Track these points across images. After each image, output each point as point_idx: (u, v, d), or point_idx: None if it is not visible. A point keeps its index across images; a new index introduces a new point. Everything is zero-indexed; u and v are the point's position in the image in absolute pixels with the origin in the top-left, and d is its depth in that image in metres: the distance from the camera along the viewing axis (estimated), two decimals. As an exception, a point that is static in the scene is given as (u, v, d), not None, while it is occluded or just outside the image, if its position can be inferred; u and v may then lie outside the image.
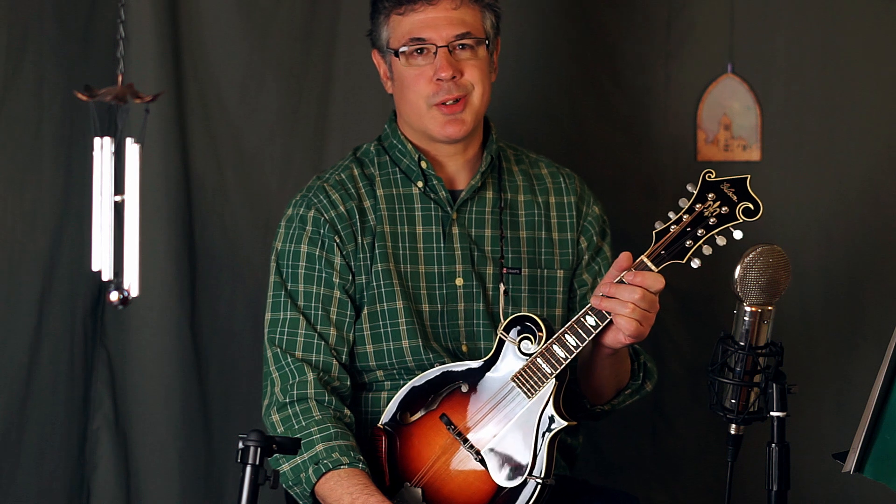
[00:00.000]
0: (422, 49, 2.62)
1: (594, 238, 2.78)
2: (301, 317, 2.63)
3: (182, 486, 3.15)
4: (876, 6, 3.20)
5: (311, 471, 2.50)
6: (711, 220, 2.45)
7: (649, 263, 2.46)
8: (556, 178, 2.81)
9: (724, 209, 2.45)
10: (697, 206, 2.46)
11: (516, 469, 2.49)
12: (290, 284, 2.65)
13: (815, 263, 3.22)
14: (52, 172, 3.04)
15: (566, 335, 2.48)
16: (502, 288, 2.69)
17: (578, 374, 2.65)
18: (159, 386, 3.13)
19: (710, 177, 2.47)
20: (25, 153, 3.02)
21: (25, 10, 3.00)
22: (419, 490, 2.54)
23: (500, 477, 2.50)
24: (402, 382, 2.61)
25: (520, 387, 2.51)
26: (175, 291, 3.12)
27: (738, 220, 2.45)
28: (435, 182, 2.69)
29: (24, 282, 3.04)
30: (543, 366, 2.50)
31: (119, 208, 1.70)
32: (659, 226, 2.47)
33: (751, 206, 2.45)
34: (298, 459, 2.52)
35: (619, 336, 2.47)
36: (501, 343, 2.55)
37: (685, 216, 2.46)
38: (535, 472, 2.48)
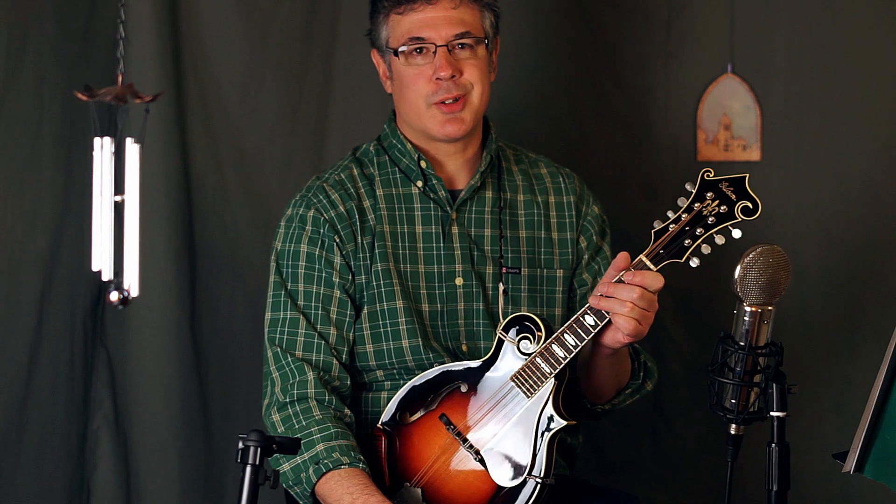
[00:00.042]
0: (421, 48, 2.62)
1: (594, 237, 2.78)
2: (301, 316, 2.63)
3: (182, 486, 3.15)
4: (876, 6, 3.20)
5: (311, 470, 2.50)
6: (710, 218, 2.45)
7: (648, 262, 2.46)
8: (556, 178, 2.81)
9: (722, 208, 2.45)
10: (696, 205, 2.46)
11: (516, 469, 2.49)
12: (289, 284, 2.65)
13: (815, 263, 3.22)
14: (52, 172, 3.04)
15: (565, 334, 2.48)
16: (501, 287, 2.69)
17: (578, 374, 2.65)
18: (159, 386, 3.13)
19: (708, 176, 2.47)
20: (25, 153, 3.03)
21: (25, 10, 3.00)
22: (419, 490, 2.54)
23: (500, 476, 2.50)
24: (401, 382, 2.61)
25: (519, 386, 2.51)
26: (175, 291, 3.12)
27: (736, 218, 2.45)
28: (434, 182, 2.69)
29: (24, 282, 3.04)
30: (542, 365, 2.50)
31: (119, 208, 1.70)
32: (657, 225, 2.47)
33: (749, 204, 2.45)
34: (299, 459, 2.52)
35: (619, 335, 2.47)
36: (500, 343, 2.55)
37: (684, 215, 2.46)
38: (535, 472, 2.48)
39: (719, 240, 2.45)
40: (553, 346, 2.49)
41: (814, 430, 3.18)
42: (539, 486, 2.47)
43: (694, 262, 2.45)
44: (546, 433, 2.49)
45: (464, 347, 2.66)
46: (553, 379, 2.49)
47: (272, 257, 2.70)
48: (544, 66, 3.28)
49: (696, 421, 3.25)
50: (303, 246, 2.66)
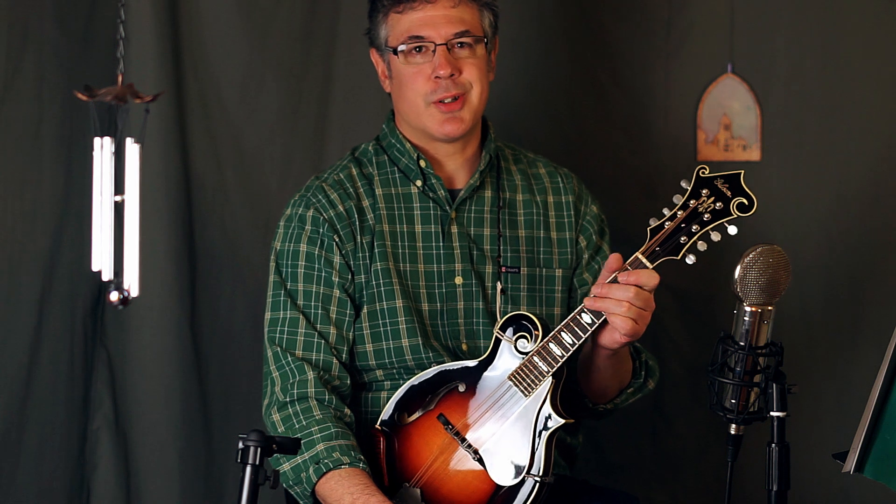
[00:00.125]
0: (420, 47, 2.62)
1: (593, 237, 2.78)
2: (301, 316, 2.63)
3: (182, 486, 3.15)
4: (876, 6, 3.20)
5: (311, 470, 2.50)
6: (706, 215, 2.46)
7: (644, 260, 2.46)
8: (554, 178, 2.81)
9: (718, 205, 2.46)
10: (692, 202, 2.46)
11: (514, 468, 2.49)
12: (289, 284, 2.65)
13: (815, 263, 3.21)
14: (52, 172, 3.04)
15: (562, 333, 2.48)
16: (499, 287, 2.69)
17: (580, 375, 2.65)
18: (159, 386, 3.13)
19: (704, 173, 2.48)
20: (25, 153, 3.03)
21: (25, 10, 3.00)
22: (418, 490, 2.54)
23: (499, 476, 2.50)
24: (401, 382, 2.61)
25: (517, 385, 2.51)
26: (175, 291, 3.12)
27: (732, 215, 2.45)
28: (434, 181, 2.69)
29: (24, 282, 3.04)
30: (540, 364, 2.50)
31: (119, 208, 1.70)
32: (653, 222, 2.47)
33: (745, 201, 2.45)
34: (299, 459, 2.52)
35: (616, 335, 2.47)
36: (498, 342, 2.55)
37: (679, 212, 2.47)
38: (533, 471, 2.48)
39: (715, 236, 2.45)
40: (550, 344, 2.49)
41: (814, 430, 3.18)
42: (538, 484, 2.47)
43: (690, 259, 2.46)
44: (544, 432, 2.49)
45: (464, 346, 2.66)
46: (550, 377, 2.49)
47: (272, 257, 2.70)
48: (544, 66, 3.28)
49: (696, 421, 3.25)
50: (302, 245, 2.66)
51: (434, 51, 2.61)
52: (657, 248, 2.46)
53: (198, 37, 3.13)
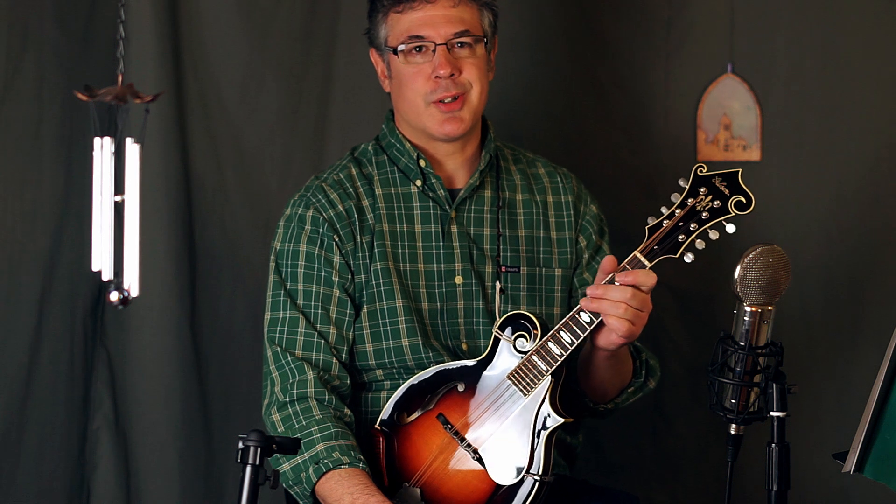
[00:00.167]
0: (420, 47, 2.62)
1: (593, 237, 2.78)
2: (301, 315, 2.63)
3: (182, 486, 3.15)
4: (876, 6, 3.20)
5: (311, 470, 2.50)
6: (704, 214, 2.46)
7: (643, 259, 2.46)
8: (554, 178, 2.81)
9: (716, 203, 2.46)
10: (690, 200, 2.47)
11: (514, 467, 2.49)
12: (289, 283, 2.65)
13: (815, 263, 3.21)
14: (52, 172, 3.04)
15: (561, 332, 2.49)
16: (498, 286, 2.69)
17: (580, 375, 2.65)
18: (159, 386, 3.13)
19: (701, 171, 2.48)
20: (25, 153, 3.03)
21: (25, 10, 3.00)
22: (418, 490, 2.54)
23: (498, 475, 2.50)
24: (401, 381, 2.61)
25: (516, 384, 2.51)
26: (175, 291, 3.12)
27: (730, 213, 2.46)
28: (433, 180, 2.69)
29: (24, 282, 3.04)
30: (539, 363, 2.50)
31: (119, 208, 1.70)
32: (651, 221, 2.48)
33: (743, 199, 2.46)
34: (299, 459, 2.52)
35: (612, 337, 2.47)
36: (497, 341, 2.55)
37: (677, 211, 2.47)
38: (533, 470, 2.48)
39: (713, 235, 2.46)
40: (549, 343, 2.49)
41: (814, 430, 3.18)
42: (537, 483, 2.47)
43: (688, 258, 2.46)
44: (543, 431, 2.49)
45: (464, 346, 2.66)
46: (549, 376, 2.49)
47: (271, 257, 2.70)
48: (543, 66, 3.28)
49: (696, 421, 3.25)
50: (302, 245, 2.66)
51: (434, 50, 2.61)
52: (655, 247, 2.46)
53: (198, 37, 3.13)
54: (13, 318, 3.04)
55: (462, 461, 2.53)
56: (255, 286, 3.11)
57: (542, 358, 2.49)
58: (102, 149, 1.69)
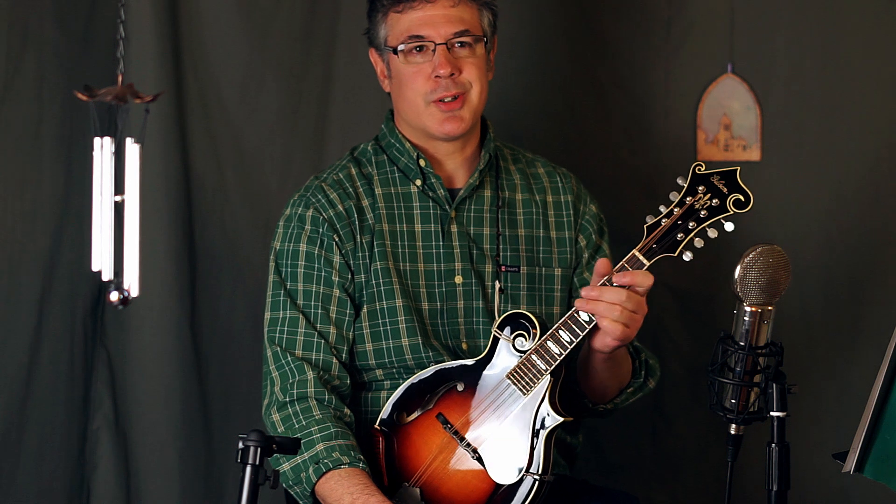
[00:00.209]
0: (420, 47, 2.62)
1: (593, 236, 2.78)
2: (300, 315, 2.63)
3: (182, 486, 3.15)
4: (876, 6, 3.20)
5: (311, 470, 2.50)
6: (702, 212, 2.46)
7: (641, 257, 2.46)
8: (553, 178, 2.81)
9: (714, 201, 2.46)
10: (688, 199, 2.47)
11: (513, 466, 2.49)
12: (289, 283, 2.65)
13: (815, 263, 3.21)
14: (52, 172, 3.04)
15: (560, 331, 2.49)
16: (498, 286, 2.69)
17: (579, 376, 2.65)
18: (159, 386, 3.13)
19: (699, 170, 2.48)
20: (25, 153, 3.03)
21: (25, 10, 3.00)
22: (417, 490, 2.54)
23: (498, 474, 2.50)
24: (401, 381, 2.61)
25: (515, 384, 2.51)
26: (175, 291, 3.12)
27: (728, 212, 2.46)
28: (433, 180, 2.70)
29: (24, 282, 3.04)
30: (538, 362, 2.50)
31: (119, 208, 1.70)
32: (650, 220, 2.48)
33: (741, 197, 2.46)
34: (299, 459, 2.52)
35: (607, 339, 2.48)
36: (496, 341, 2.55)
37: (676, 209, 2.47)
38: (532, 469, 2.48)
39: (712, 233, 2.46)
40: (548, 342, 2.49)
41: (814, 430, 3.17)
42: (537, 483, 2.47)
43: (687, 256, 2.46)
44: (542, 430, 2.49)
45: (464, 346, 2.66)
46: (549, 376, 2.49)
47: (271, 257, 2.70)
48: (543, 66, 3.28)
49: (696, 421, 3.25)
50: (302, 245, 2.66)
51: (434, 50, 2.61)
52: (654, 246, 2.46)
53: (198, 37, 3.13)
54: (13, 318, 3.04)
55: (462, 461, 2.53)
56: (255, 286, 3.11)
57: (542, 357, 2.49)
58: (102, 149, 1.69)
